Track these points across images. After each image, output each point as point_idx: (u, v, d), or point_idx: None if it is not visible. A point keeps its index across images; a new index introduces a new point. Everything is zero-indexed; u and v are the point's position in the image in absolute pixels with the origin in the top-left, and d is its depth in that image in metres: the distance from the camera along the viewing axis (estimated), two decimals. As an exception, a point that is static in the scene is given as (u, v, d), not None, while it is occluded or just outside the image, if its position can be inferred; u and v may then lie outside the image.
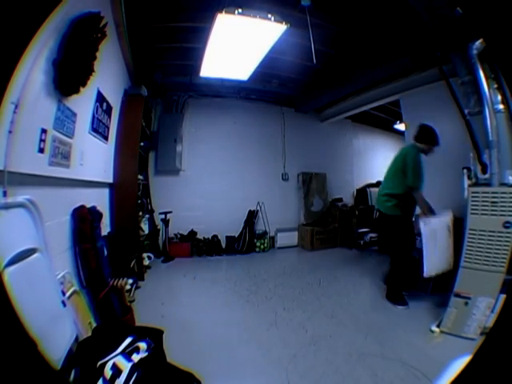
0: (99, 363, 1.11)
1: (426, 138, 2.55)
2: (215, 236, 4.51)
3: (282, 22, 2.39)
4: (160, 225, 4.32)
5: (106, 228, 2.67)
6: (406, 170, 2.49)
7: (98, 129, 2.36)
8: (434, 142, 2.55)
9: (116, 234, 2.74)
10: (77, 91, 1.66)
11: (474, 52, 2.15)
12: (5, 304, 0.86)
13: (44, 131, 1.43)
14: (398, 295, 2.56)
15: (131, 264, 2.87)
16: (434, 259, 2.30)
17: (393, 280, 2.64)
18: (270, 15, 2.34)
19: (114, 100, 2.81)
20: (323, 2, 2.54)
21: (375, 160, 6.39)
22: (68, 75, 1.52)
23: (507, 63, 1.16)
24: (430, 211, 2.45)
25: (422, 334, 2.02)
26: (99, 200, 2.57)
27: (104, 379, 1.06)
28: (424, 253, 2.30)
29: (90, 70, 1.73)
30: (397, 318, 2.30)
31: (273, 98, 4.94)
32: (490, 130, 2.11)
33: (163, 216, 4.14)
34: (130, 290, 2.51)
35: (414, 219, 2.68)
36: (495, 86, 2.12)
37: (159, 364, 1.23)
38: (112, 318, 1.88)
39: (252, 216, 4.72)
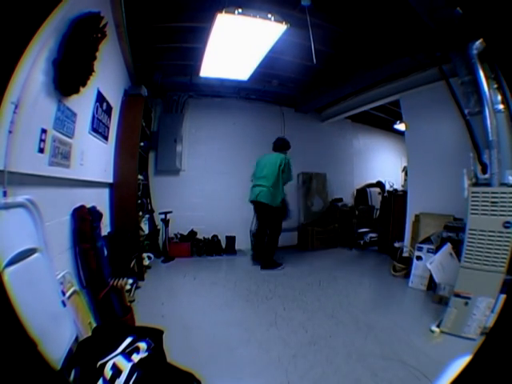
0: (99, 363, 1.10)
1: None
2: (215, 236, 4.50)
3: (282, 22, 2.39)
4: (160, 225, 4.31)
5: (105, 228, 2.67)
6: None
7: (98, 129, 2.36)
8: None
9: (116, 234, 2.74)
10: (77, 91, 1.66)
11: (474, 52, 2.15)
12: (5, 304, 0.86)
13: (44, 131, 1.42)
14: (274, 262, 3.69)
15: (131, 264, 2.86)
16: (445, 277, 2.44)
17: (269, 253, 3.71)
18: (270, 15, 2.33)
19: (114, 100, 2.81)
20: (323, 2, 2.54)
21: (375, 160, 6.40)
22: (68, 75, 1.52)
23: (507, 63, 1.16)
24: None
25: (422, 334, 2.02)
26: (99, 200, 2.57)
27: (104, 379, 1.06)
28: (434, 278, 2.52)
29: (89, 70, 1.73)
30: (397, 317, 2.30)
31: (273, 98, 4.94)
32: (489, 130, 2.11)
33: (163, 216, 4.13)
34: (130, 290, 2.51)
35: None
36: (495, 85, 2.12)
37: (159, 364, 1.23)
38: (112, 318, 1.88)
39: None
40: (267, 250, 3.77)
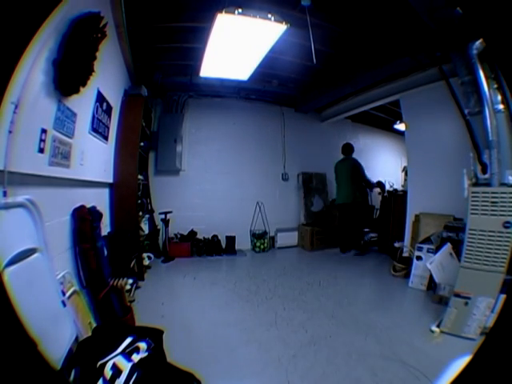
0: (99, 363, 1.11)
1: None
2: (215, 236, 4.50)
3: (282, 22, 2.39)
4: (160, 225, 4.32)
5: (106, 228, 2.67)
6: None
7: (98, 129, 2.36)
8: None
9: (116, 234, 2.74)
10: (77, 91, 1.66)
11: (474, 52, 2.15)
12: (5, 304, 0.86)
13: (44, 131, 1.43)
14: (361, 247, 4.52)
15: (131, 264, 2.86)
16: (445, 277, 2.45)
17: (356, 241, 4.56)
18: (270, 15, 2.33)
19: (114, 100, 2.81)
20: (323, 2, 2.54)
21: (375, 160, 6.39)
22: (68, 75, 1.52)
23: (507, 63, 1.16)
24: None
25: (422, 334, 2.02)
26: (99, 200, 2.57)
27: (104, 379, 1.06)
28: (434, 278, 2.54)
29: (90, 70, 1.73)
30: (397, 317, 2.30)
31: (273, 98, 4.94)
32: (489, 130, 2.11)
33: (163, 216, 4.13)
34: (130, 290, 2.51)
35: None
36: (495, 86, 2.12)
37: (159, 364, 1.23)
38: (112, 318, 1.88)
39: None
40: (357, 238, 4.58)
